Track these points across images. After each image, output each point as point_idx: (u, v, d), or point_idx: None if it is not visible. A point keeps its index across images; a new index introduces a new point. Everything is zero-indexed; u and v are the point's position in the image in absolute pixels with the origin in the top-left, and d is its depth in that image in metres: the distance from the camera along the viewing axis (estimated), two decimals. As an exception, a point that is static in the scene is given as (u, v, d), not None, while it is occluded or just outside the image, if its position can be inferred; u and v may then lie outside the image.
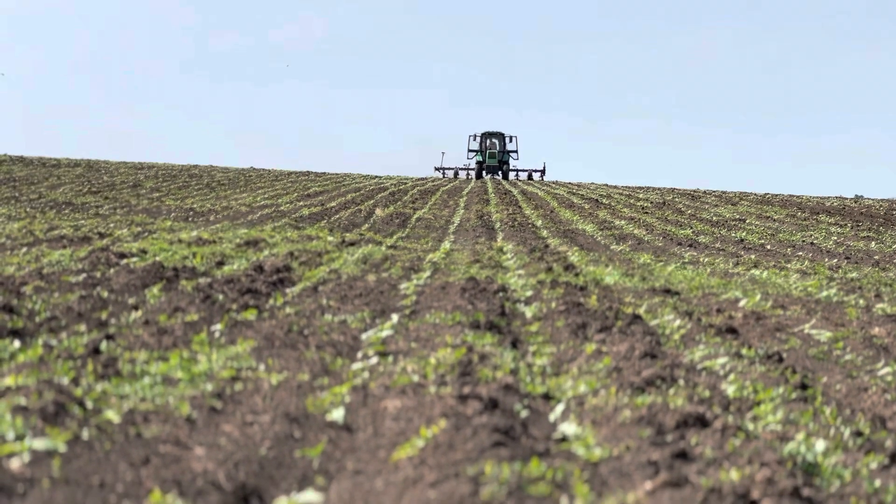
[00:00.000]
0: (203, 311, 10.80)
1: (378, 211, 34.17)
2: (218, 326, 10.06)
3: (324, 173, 67.01)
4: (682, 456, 6.01)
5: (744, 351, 10.13)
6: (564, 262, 19.36)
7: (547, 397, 7.93)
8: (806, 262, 22.98)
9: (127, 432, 6.18)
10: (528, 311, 12.39)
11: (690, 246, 26.79)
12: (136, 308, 10.95)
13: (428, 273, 16.03)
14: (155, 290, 12.19)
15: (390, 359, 9.02)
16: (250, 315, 10.82)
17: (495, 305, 12.30)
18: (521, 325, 11.45)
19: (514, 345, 10.00)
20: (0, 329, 9.06)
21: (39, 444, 5.57)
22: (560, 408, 7.54)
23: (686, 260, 22.11)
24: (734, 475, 5.64)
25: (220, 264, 15.58)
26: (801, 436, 6.89)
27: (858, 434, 7.17)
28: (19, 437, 5.68)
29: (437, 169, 77.71)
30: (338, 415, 7.03)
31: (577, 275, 16.83)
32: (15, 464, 5.28)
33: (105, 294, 11.54)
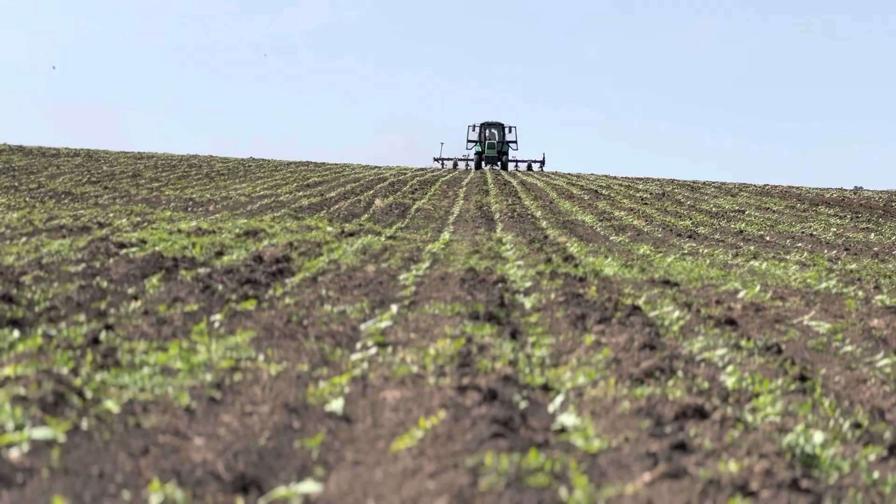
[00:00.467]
0: (202, 302, 10.80)
1: (377, 201, 34.16)
2: (217, 317, 10.06)
3: (323, 163, 66.99)
4: (681, 447, 6.01)
5: (743, 342, 10.14)
6: (564, 252, 19.36)
7: (546, 388, 7.93)
8: (805, 254, 22.98)
9: (126, 422, 6.18)
10: (528, 302, 12.39)
11: (690, 237, 26.79)
12: (135, 298, 10.95)
13: (427, 264, 16.03)
14: (154, 280, 12.19)
15: (389, 349, 9.02)
16: (250, 305, 10.83)
17: (494, 296, 12.30)
18: (520, 316, 11.45)
19: (514, 336, 10.00)
20: (-1, 319, 9.06)
21: (39, 433, 5.58)
22: (559, 399, 7.54)
23: (685, 251, 22.11)
24: (733, 466, 5.64)
25: (220, 254, 15.57)
26: (799, 427, 6.89)
27: (857, 426, 7.18)
28: (18, 427, 5.68)
29: (436, 159, 77.69)
30: (337, 405, 7.04)
31: (576, 266, 16.83)
32: (14, 454, 5.29)
33: (104, 284, 11.54)
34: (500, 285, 13.55)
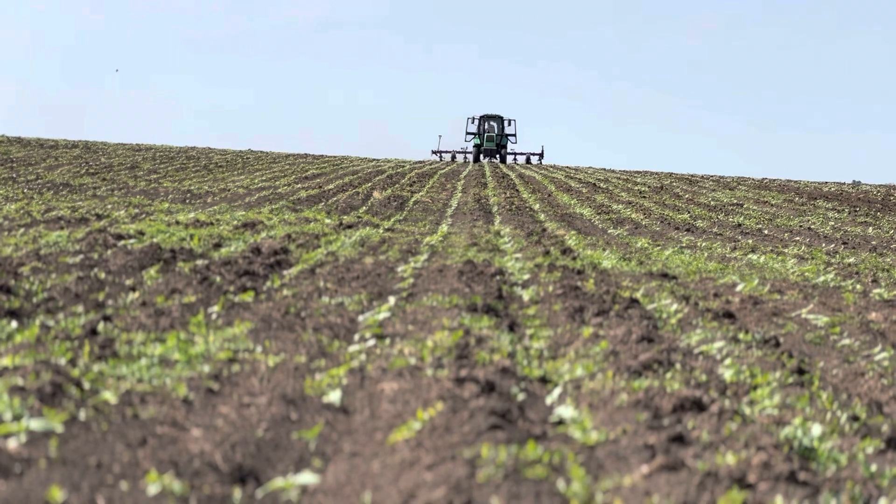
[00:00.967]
0: (200, 293, 10.80)
1: (376, 193, 34.14)
2: (215, 308, 10.05)
3: (321, 156, 66.95)
4: (679, 440, 6.01)
5: (741, 335, 10.14)
6: (562, 245, 19.36)
7: (544, 381, 7.94)
8: (803, 247, 22.98)
9: (124, 413, 6.18)
10: (526, 295, 12.39)
11: (688, 230, 26.78)
12: (133, 289, 10.95)
13: (425, 256, 16.02)
14: (152, 271, 12.18)
15: (387, 341, 9.02)
16: (247, 297, 10.82)
17: (492, 288, 12.30)
18: (518, 309, 11.44)
19: (512, 328, 10.00)
20: (-3, 310, 9.06)
21: (36, 424, 5.58)
22: (557, 391, 7.54)
23: (683, 244, 22.11)
24: (730, 459, 5.65)
25: (218, 246, 15.57)
26: (797, 420, 6.89)
27: (855, 419, 7.18)
28: (16, 418, 5.68)
29: (434, 152, 77.64)
30: (335, 397, 7.04)
31: (574, 258, 16.83)
32: (12, 444, 5.28)
33: (102, 275, 11.53)
34: (498, 278, 13.55)
